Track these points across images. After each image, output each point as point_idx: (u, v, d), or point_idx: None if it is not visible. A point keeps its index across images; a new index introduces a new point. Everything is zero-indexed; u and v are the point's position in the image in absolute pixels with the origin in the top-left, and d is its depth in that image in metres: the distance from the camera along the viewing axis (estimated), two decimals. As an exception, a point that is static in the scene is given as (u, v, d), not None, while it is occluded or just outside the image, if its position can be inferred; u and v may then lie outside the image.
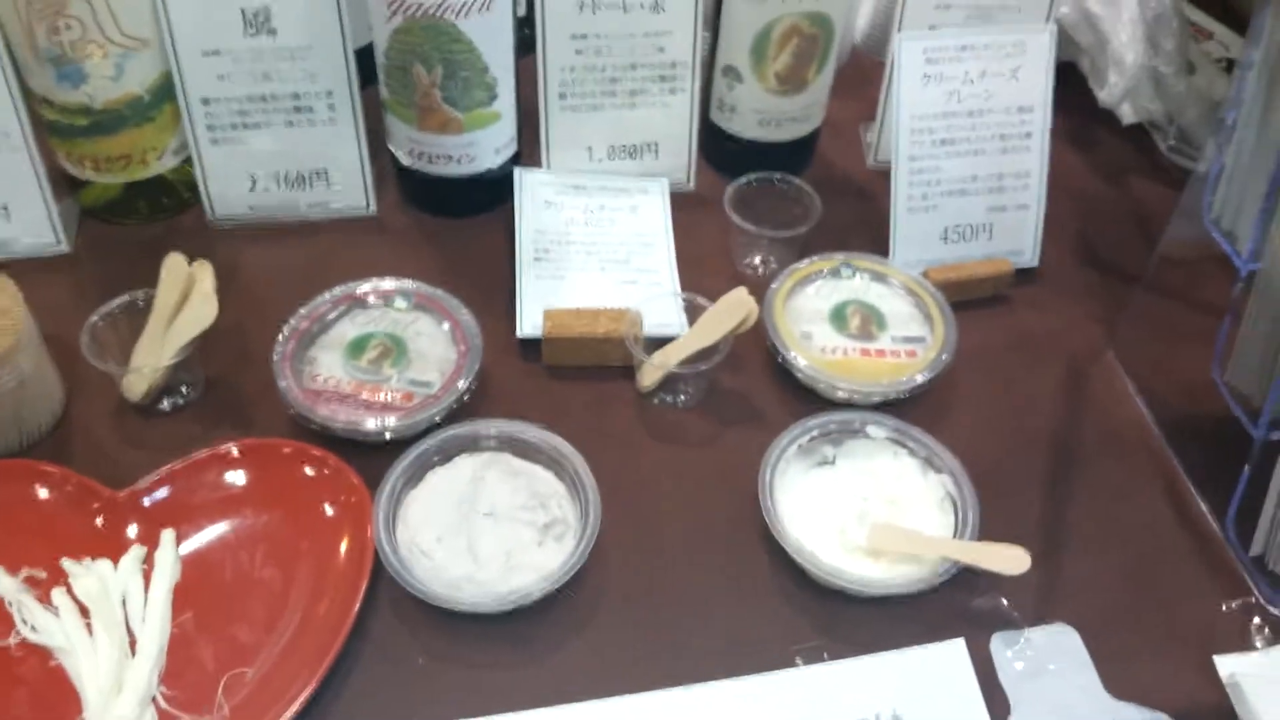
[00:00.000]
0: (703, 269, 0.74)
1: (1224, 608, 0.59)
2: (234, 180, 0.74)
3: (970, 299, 0.73)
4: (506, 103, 0.72)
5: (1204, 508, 0.63)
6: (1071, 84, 0.84)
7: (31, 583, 0.55)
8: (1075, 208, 0.82)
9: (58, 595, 0.55)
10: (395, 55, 0.68)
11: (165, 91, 0.69)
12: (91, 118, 0.68)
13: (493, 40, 0.68)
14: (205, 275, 0.63)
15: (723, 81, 0.77)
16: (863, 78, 0.89)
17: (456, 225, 0.77)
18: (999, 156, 0.72)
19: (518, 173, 0.75)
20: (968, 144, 0.72)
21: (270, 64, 0.69)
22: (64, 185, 0.73)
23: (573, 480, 0.59)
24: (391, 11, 0.66)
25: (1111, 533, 0.62)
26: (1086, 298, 0.76)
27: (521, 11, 0.75)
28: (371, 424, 0.61)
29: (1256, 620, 0.58)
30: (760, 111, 0.77)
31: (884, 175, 0.73)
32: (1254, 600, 0.59)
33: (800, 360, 0.66)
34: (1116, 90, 0.80)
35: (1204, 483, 0.64)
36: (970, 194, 0.73)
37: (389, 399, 0.62)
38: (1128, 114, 0.83)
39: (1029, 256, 0.75)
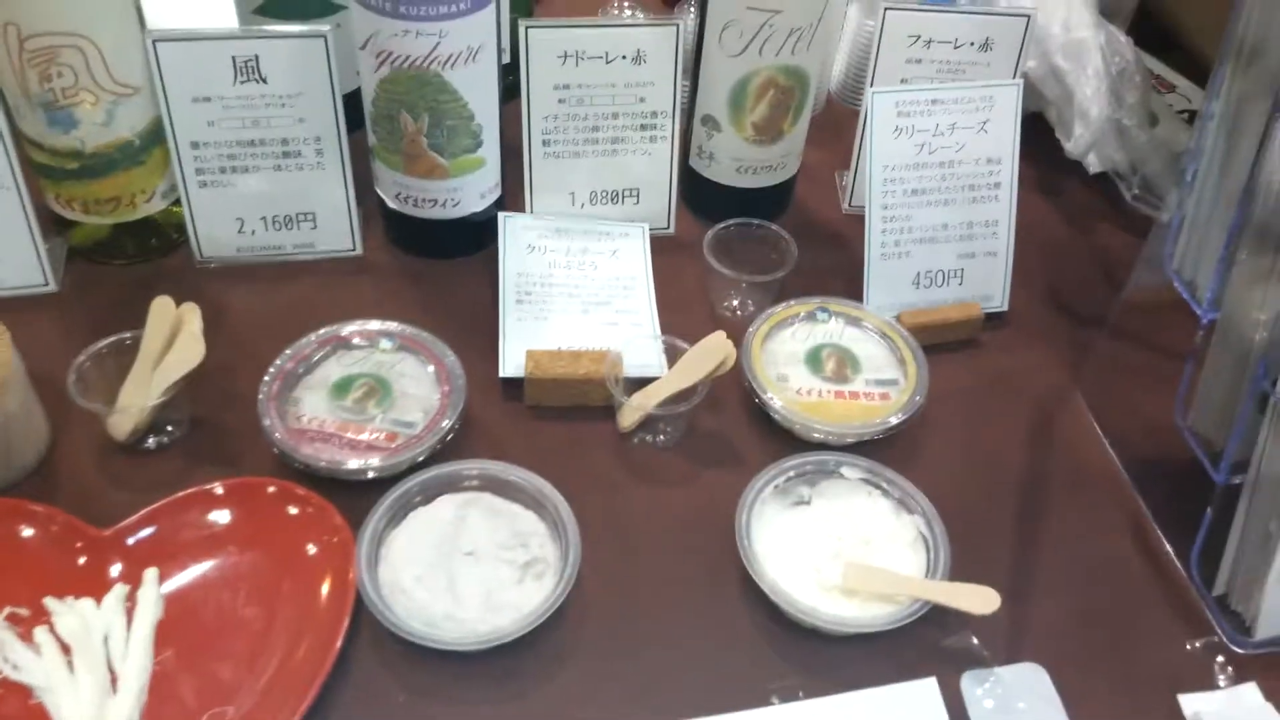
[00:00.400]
0: (682, 311, 0.75)
1: (1188, 647, 0.60)
2: (222, 222, 0.75)
3: (942, 342, 0.75)
4: (491, 149, 0.74)
5: (1168, 548, 0.65)
6: (1040, 133, 0.87)
7: (14, 620, 0.56)
8: (1044, 254, 0.84)
9: (40, 633, 0.55)
10: (383, 104, 0.70)
11: (155, 136, 0.71)
12: (81, 161, 0.69)
13: (478, 90, 0.70)
14: (193, 317, 0.64)
15: (702, 130, 0.79)
16: (837, 125, 0.91)
17: (441, 266, 0.79)
18: (968, 205, 0.75)
19: (501, 217, 0.77)
20: (938, 193, 0.74)
21: (259, 110, 0.71)
22: (52, 225, 0.74)
23: (553, 520, 0.60)
24: (379, 62, 0.67)
25: (1079, 573, 0.64)
26: (1055, 341, 0.78)
27: (506, 59, 0.77)
28: (354, 464, 0.62)
29: (1220, 659, 0.60)
30: (738, 159, 0.79)
31: (859, 219, 0.75)
32: (1217, 639, 0.61)
33: (776, 402, 0.68)
34: (1082, 142, 0.82)
35: (1168, 523, 0.66)
36: (941, 241, 0.75)
37: (373, 439, 0.63)
38: (1094, 163, 0.85)
39: (999, 301, 0.77)
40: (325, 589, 0.57)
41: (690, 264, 0.78)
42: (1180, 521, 0.64)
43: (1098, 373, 0.75)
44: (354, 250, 0.78)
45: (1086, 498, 0.68)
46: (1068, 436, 0.72)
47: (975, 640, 0.59)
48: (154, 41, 0.67)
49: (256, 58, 0.69)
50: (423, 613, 0.56)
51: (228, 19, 0.80)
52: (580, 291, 0.75)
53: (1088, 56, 0.81)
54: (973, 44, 0.78)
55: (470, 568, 0.58)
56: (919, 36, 0.77)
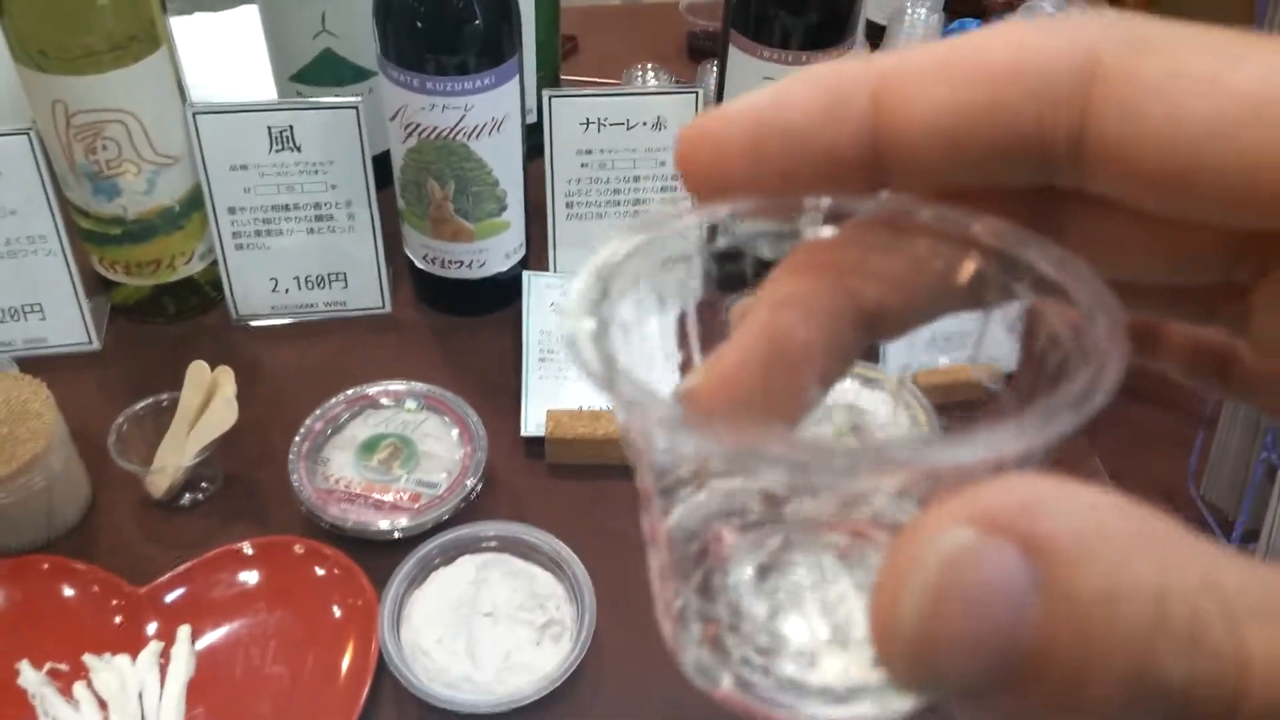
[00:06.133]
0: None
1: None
2: (256, 282, 0.78)
3: (955, 401, 0.76)
4: (516, 212, 0.76)
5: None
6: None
7: (54, 675, 0.58)
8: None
9: (79, 689, 0.58)
10: (410, 171, 0.72)
11: (194, 202, 0.74)
12: (124, 227, 0.72)
13: (502, 158, 0.72)
14: (227, 381, 0.66)
15: (721, 191, 0.80)
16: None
17: (467, 323, 0.81)
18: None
19: (525, 276, 0.79)
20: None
21: (293, 177, 0.73)
22: (95, 284, 0.77)
23: (570, 581, 0.62)
24: (407, 133, 0.70)
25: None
26: (1072, 401, 0.78)
27: (531, 119, 0.79)
28: (380, 525, 0.64)
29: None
30: (757, 219, 0.80)
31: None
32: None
33: (791, 463, 0.69)
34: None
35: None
36: (957, 303, 0.76)
37: (398, 499, 0.66)
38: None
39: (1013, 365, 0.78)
40: (349, 650, 0.59)
41: (710, 321, 0.80)
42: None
43: (1114, 436, 0.75)
44: (383, 308, 0.80)
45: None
46: (1082, 498, 0.72)
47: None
48: (194, 114, 0.70)
49: (291, 128, 0.72)
50: (443, 675, 0.58)
51: (265, 85, 0.83)
52: (601, 350, 0.77)
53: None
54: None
55: (489, 629, 0.60)
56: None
